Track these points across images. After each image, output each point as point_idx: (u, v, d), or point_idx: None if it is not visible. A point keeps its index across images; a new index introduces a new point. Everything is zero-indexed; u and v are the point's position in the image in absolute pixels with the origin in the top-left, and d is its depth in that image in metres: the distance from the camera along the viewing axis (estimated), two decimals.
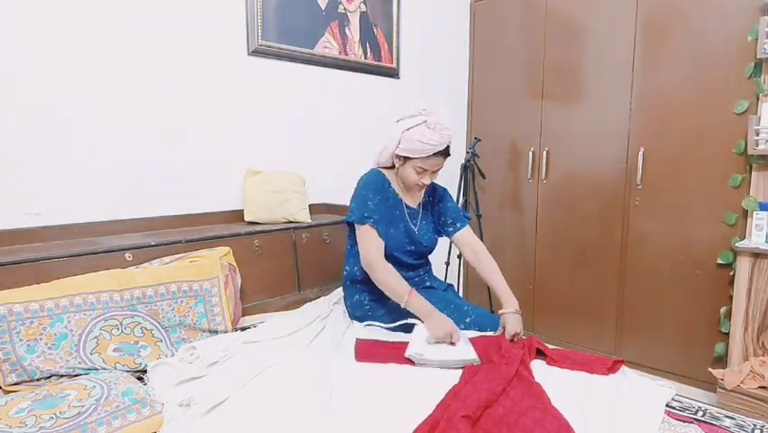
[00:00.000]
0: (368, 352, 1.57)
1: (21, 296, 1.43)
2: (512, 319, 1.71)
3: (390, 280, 1.70)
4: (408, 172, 1.80)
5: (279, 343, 1.68)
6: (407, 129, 1.73)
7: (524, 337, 1.70)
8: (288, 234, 2.19)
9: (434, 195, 1.99)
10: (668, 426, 1.23)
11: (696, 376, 2.48)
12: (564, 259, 2.98)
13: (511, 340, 1.65)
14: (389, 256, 1.80)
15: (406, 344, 1.58)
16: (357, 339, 1.63)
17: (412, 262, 1.89)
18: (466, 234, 1.95)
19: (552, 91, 2.96)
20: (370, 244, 1.72)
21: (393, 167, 1.88)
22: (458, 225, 1.95)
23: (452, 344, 1.56)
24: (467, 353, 1.51)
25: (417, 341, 1.56)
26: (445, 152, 1.78)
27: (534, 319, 3.10)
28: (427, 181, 1.81)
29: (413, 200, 1.92)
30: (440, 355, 1.50)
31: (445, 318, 1.63)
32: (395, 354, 1.55)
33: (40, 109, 1.73)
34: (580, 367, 1.48)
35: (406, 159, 1.79)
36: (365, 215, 1.74)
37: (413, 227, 1.88)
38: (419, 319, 1.65)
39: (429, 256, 2.03)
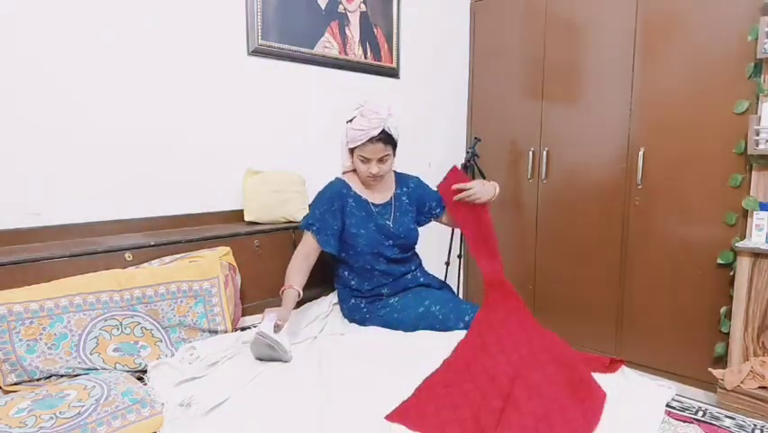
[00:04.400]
0: None
1: (21, 296, 1.42)
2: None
3: (289, 269, 1.80)
4: (357, 164, 1.88)
5: None
6: (347, 121, 1.86)
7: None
8: (288, 235, 2.18)
9: (407, 186, 2.01)
10: (668, 426, 1.23)
11: (696, 376, 2.47)
12: (564, 259, 2.98)
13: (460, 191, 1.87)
14: (372, 254, 1.83)
15: None
16: None
17: (396, 255, 1.92)
18: None
19: (552, 91, 2.96)
20: (301, 247, 1.86)
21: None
22: (442, 207, 2.04)
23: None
24: (286, 343, 1.58)
25: (265, 327, 1.58)
26: (384, 139, 1.81)
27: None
28: (374, 170, 1.85)
29: (381, 197, 1.95)
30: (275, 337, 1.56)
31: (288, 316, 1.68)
32: None
33: (39, 109, 1.72)
34: None
35: (352, 151, 1.87)
36: (309, 222, 1.86)
37: (386, 222, 1.91)
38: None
39: (423, 254, 2.05)
